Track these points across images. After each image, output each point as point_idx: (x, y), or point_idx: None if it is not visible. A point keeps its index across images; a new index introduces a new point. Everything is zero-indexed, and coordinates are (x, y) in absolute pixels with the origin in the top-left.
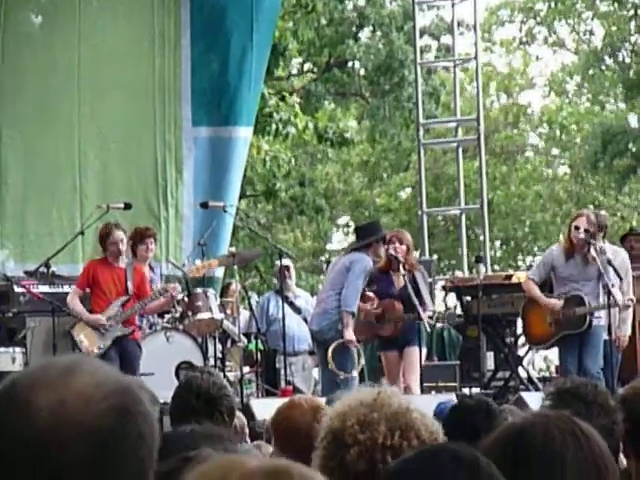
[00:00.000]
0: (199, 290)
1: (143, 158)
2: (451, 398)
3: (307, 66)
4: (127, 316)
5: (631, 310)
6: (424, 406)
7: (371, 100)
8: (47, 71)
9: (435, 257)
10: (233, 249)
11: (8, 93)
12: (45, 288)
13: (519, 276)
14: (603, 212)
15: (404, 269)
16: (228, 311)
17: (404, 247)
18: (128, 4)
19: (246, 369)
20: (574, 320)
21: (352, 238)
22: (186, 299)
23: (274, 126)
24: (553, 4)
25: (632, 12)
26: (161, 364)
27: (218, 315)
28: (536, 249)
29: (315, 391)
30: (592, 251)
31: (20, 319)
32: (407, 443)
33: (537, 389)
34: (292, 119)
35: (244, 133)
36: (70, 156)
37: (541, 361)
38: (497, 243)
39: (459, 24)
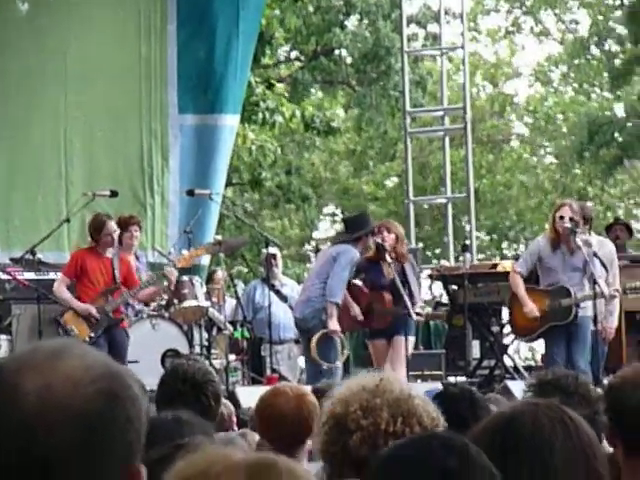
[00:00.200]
0: (185, 278)
1: (129, 145)
2: (437, 387)
3: (294, 54)
4: (117, 305)
5: (617, 301)
6: None
7: (358, 88)
8: (33, 58)
9: (421, 245)
10: (219, 237)
11: None
12: (31, 275)
13: (505, 265)
14: (589, 204)
15: (390, 257)
16: (214, 299)
17: (392, 236)
18: None
19: (232, 357)
20: (560, 311)
21: (339, 227)
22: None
23: (261, 115)
24: None
25: (618, 1)
26: (147, 352)
27: (204, 303)
28: (522, 238)
29: (301, 379)
30: (578, 239)
31: (6, 306)
32: (409, 429)
33: (522, 378)
34: (279, 107)
35: (230, 121)
36: (56, 142)
37: (527, 350)
38: (483, 232)
39: (446, 12)
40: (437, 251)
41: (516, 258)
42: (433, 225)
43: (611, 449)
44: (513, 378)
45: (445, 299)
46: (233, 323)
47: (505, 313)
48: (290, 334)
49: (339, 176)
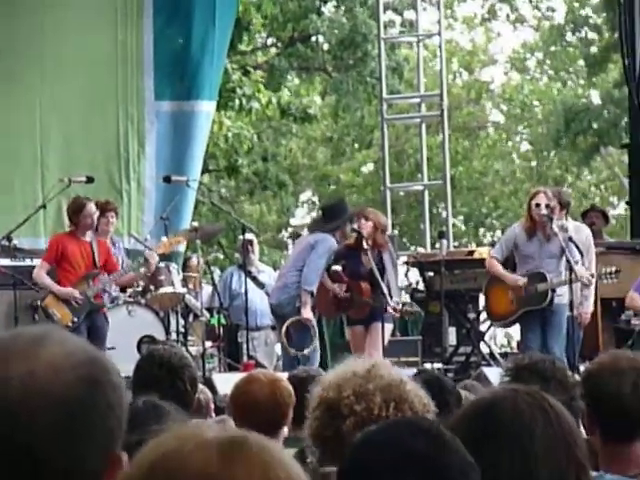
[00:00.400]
0: (162, 264)
1: (105, 131)
2: (413, 373)
3: (270, 41)
4: (99, 290)
5: (593, 287)
6: None
7: (334, 75)
8: (9, 42)
9: (397, 232)
10: (196, 223)
11: None
12: (7, 261)
13: (481, 252)
14: (566, 189)
15: (367, 245)
16: (190, 285)
17: (370, 224)
18: None
19: (208, 344)
20: (535, 296)
21: (316, 214)
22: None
23: (237, 101)
24: None
25: None
26: (123, 338)
27: (180, 289)
28: (498, 224)
29: (277, 366)
30: (554, 226)
31: None
32: (402, 415)
33: (499, 364)
34: (255, 94)
35: (207, 107)
36: (32, 128)
37: (503, 337)
38: (459, 219)
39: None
40: (414, 238)
41: (492, 245)
42: (409, 212)
43: (588, 435)
44: (489, 365)
45: (421, 286)
46: (210, 310)
47: (482, 300)
48: (267, 321)
49: (316, 162)
